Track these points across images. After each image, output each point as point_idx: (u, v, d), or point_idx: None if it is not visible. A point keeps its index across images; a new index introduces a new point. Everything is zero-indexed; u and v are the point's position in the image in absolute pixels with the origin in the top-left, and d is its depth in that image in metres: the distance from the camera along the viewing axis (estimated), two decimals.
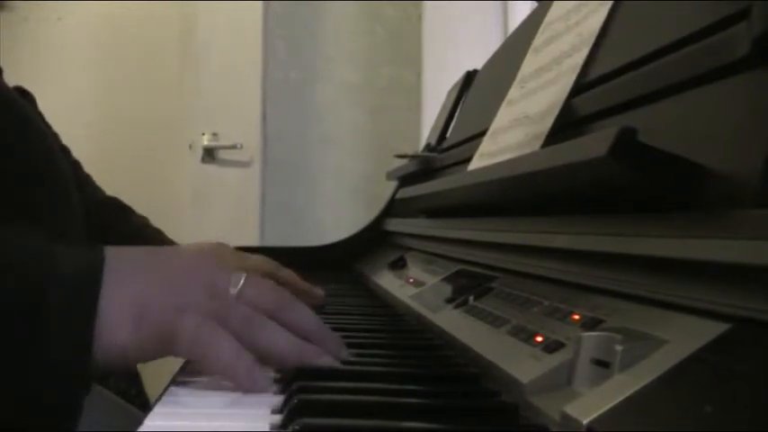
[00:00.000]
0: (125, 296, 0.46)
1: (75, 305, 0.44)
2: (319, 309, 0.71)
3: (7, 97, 0.74)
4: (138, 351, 0.46)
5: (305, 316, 0.52)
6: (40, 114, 0.93)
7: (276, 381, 0.48)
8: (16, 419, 0.44)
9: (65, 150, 0.97)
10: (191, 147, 2.16)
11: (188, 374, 0.51)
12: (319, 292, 0.71)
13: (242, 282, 0.49)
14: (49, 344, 0.43)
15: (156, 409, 0.42)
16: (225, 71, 2.13)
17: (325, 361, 0.49)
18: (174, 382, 0.49)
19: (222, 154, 2.17)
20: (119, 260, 0.48)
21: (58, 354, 0.43)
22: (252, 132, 2.16)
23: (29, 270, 0.45)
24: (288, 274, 0.67)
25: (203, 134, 2.14)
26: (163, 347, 0.47)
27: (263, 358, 0.47)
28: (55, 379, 0.44)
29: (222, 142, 2.14)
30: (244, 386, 0.45)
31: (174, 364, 0.54)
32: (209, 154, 2.16)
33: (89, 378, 0.45)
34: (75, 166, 0.99)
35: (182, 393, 0.47)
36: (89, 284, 0.45)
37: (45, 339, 0.43)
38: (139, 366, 2.14)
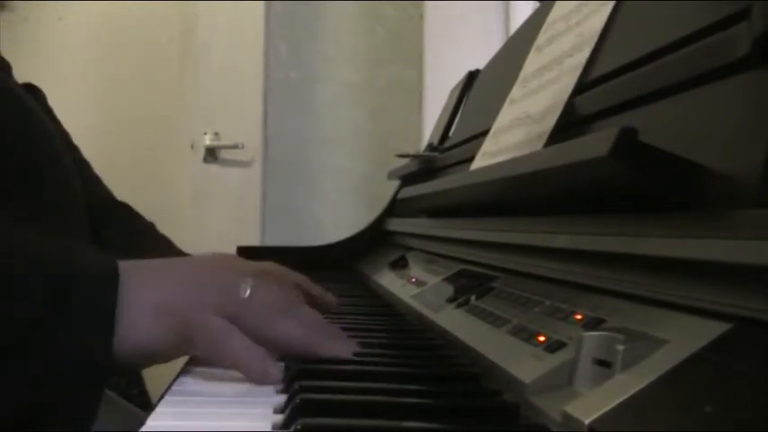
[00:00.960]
0: (144, 296, 0.49)
1: (96, 303, 0.47)
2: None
3: (12, 94, 0.74)
4: (157, 349, 0.49)
5: (309, 315, 0.56)
6: (50, 111, 0.93)
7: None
8: (34, 415, 0.45)
9: (74, 149, 0.97)
10: (192, 146, 2.16)
11: (190, 374, 0.51)
12: (331, 297, 0.72)
13: (252, 285, 0.53)
14: (70, 340, 0.45)
15: (159, 409, 0.42)
16: (226, 71, 2.13)
17: (332, 349, 0.53)
18: (176, 381, 0.49)
19: (223, 154, 2.17)
20: (135, 266, 0.51)
21: (78, 350, 0.45)
22: (253, 132, 2.16)
23: (53, 268, 0.47)
24: (300, 278, 0.68)
25: (205, 134, 2.14)
26: (180, 346, 0.50)
27: (278, 348, 0.52)
28: (75, 374, 0.45)
29: (223, 142, 2.15)
30: (257, 378, 0.48)
31: (175, 363, 0.54)
32: (212, 153, 2.16)
33: (107, 374, 0.47)
34: (85, 165, 0.98)
35: (184, 393, 0.47)
36: (109, 283, 0.48)
37: (67, 335, 0.45)
38: None
